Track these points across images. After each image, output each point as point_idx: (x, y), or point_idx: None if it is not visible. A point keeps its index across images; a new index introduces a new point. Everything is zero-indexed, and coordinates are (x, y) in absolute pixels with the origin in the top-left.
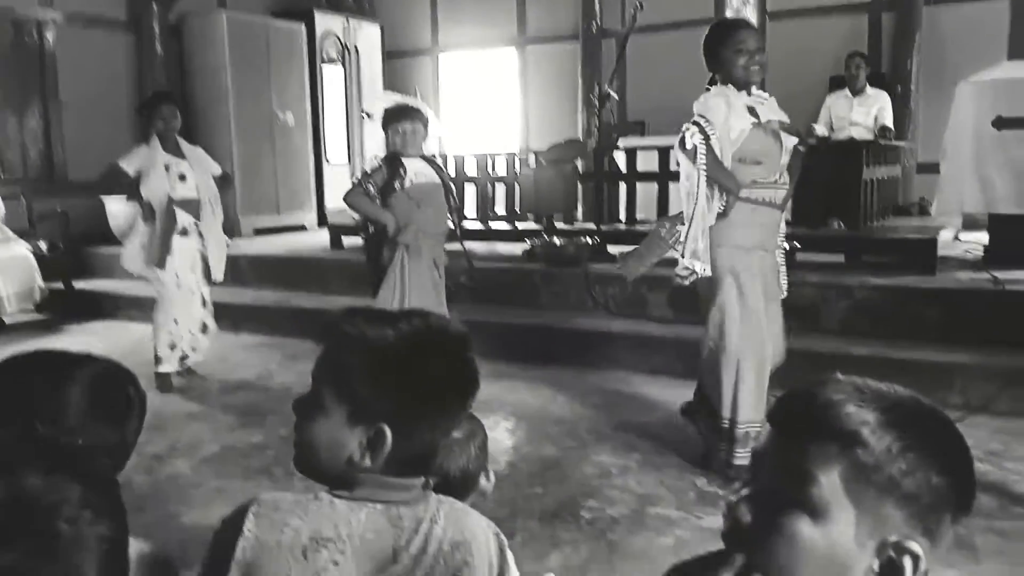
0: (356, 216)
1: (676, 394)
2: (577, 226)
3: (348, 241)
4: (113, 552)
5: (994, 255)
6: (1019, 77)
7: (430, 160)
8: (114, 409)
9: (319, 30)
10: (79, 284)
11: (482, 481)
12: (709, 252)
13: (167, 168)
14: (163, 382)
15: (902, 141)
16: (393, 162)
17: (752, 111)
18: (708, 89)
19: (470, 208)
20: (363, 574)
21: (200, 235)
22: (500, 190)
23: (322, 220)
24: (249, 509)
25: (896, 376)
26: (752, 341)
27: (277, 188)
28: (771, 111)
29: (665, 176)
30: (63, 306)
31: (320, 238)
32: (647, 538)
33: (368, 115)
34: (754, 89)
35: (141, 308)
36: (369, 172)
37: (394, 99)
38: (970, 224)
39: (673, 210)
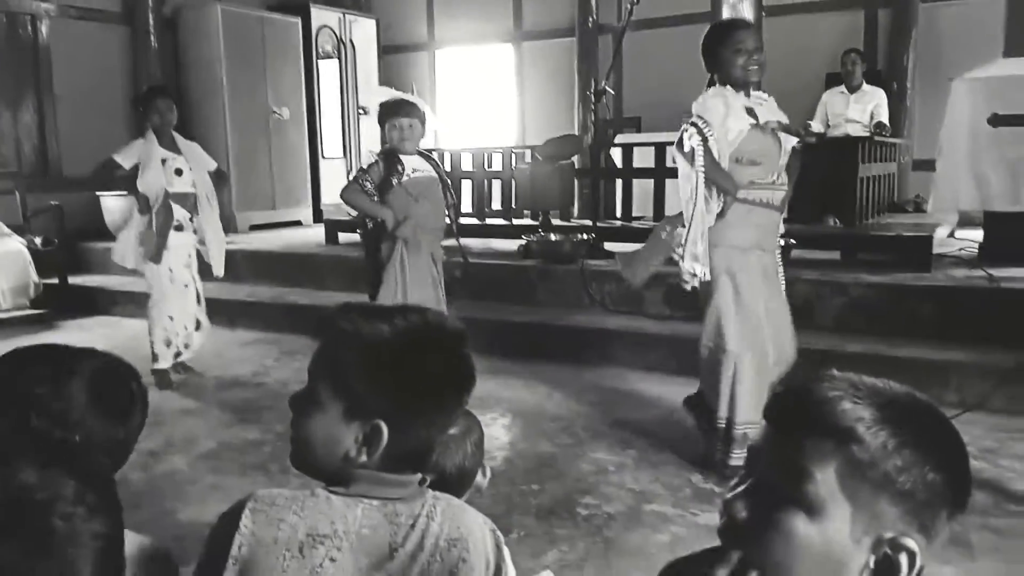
0: (352, 212)
1: (672, 391)
2: (573, 222)
3: (344, 237)
4: (108, 549)
5: (989, 252)
6: (1015, 74)
7: (427, 156)
8: (116, 405)
9: (315, 24)
10: (74, 279)
11: (478, 478)
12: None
13: (163, 162)
14: (161, 379)
15: (898, 138)
16: (390, 158)
17: (751, 112)
18: (707, 89)
19: (466, 204)
20: (360, 570)
21: (195, 231)
22: (496, 186)
23: (318, 216)
24: (246, 505)
25: (891, 373)
26: (749, 341)
27: (273, 183)
28: (770, 112)
29: (662, 172)
30: (58, 301)
31: (316, 234)
32: (643, 535)
33: (364, 110)
34: (753, 90)
35: (136, 304)
36: (366, 168)
37: (390, 94)
38: (965, 221)
39: (669, 206)
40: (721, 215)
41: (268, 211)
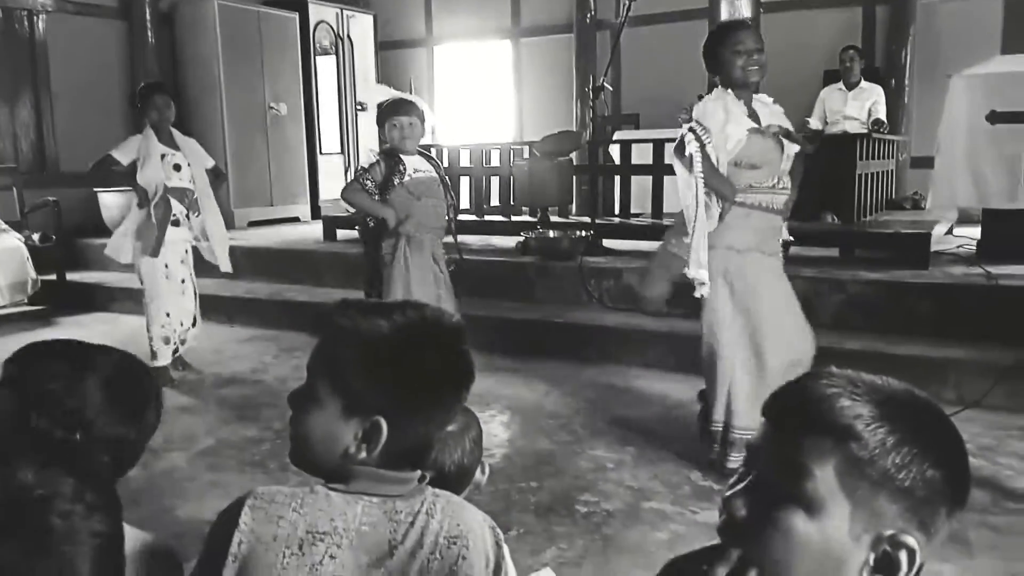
0: (350, 210)
1: (671, 388)
2: (572, 219)
3: (342, 233)
4: (107, 547)
5: (987, 250)
6: (1012, 71)
7: (427, 155)
8: (130, 405)
9: (312, 20)
10: (72, 276)
11: (477, 475)
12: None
13: (162, 158)
14: (160, 376)
15: (896, 135)
16: (391, 158)
17: (754, 115)
18: (709, 93)
19: (465, 200)
20: (359, 567)
21: (191, 227)
22: (495, 182)
23: (316, 212)
24: (245, 502)
25: (889, 371)
26: (745, 345)
27: (271, 180)
28: (774, 116)
29: (660, 169)
30: (56, 298)
31: (314, 230)
32: (642, 532)
33: (362, 106)
34: (763, 95)
35: (134, 300)
36: (367, 167)
37: (388, 93)
38: (964, 219)
39: (668, 204)
40: (720, 218)
41: (266, 207)
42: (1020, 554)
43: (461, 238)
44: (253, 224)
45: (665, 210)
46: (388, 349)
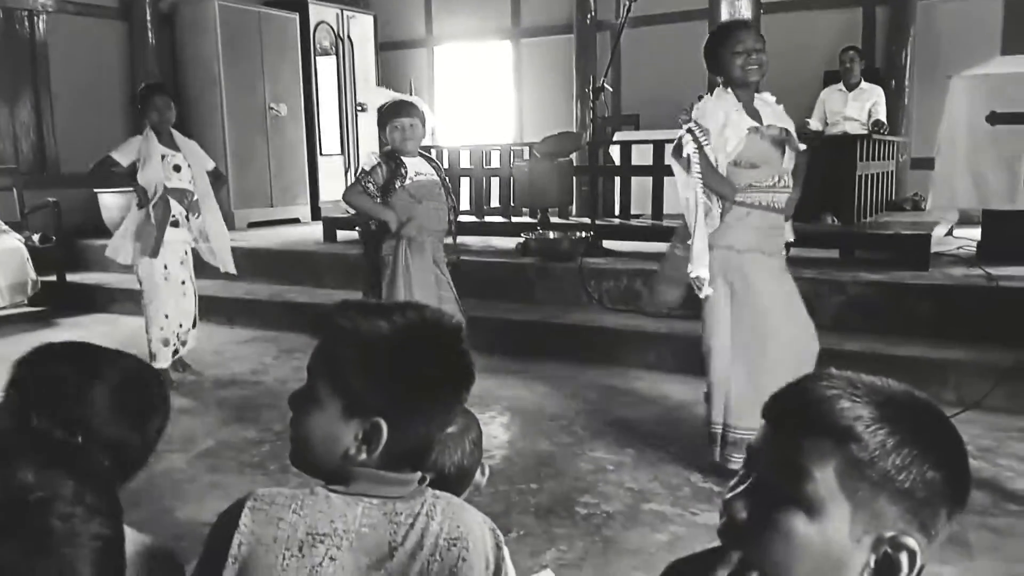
0: (350, 212)
1: (671, 389)
2: (572, 220)
3: (342, 235)
4: (107, 549)
5: (987, 251)
6: (1013, 72)
7: (428, 157)
8: (136, 410)
9: (312, 20)
10: (72, 277)
11: (477, 476)
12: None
13: (162, 158)
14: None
15: (896, 136)
16: (392, 160)
17: (755, 115)
18: (709, 94)
19: (465, 201)
20: (359, 569)
21: (190, 229)
22: (495, 183)
23: (316, 213)
24: (245, 504)
25: (889, 372)
26: (746, 344)
27: (271, 181)
28: (776, 117)
29: (660, 170)
30: (56, 299)
31: (314, 231)
32: (642, 534)
33: (363, 107)
34: (765, 94)
35: (134, 301)
36: (368, 170)
37: (388, 96)
38: (964, 220)
39: (668, 205)
40: (720, 218)
41: (266, 208)
42: (1021, 556)
43: (461, 239)
44: (253, 225)
45: (665, 211)
46: (388, 350)
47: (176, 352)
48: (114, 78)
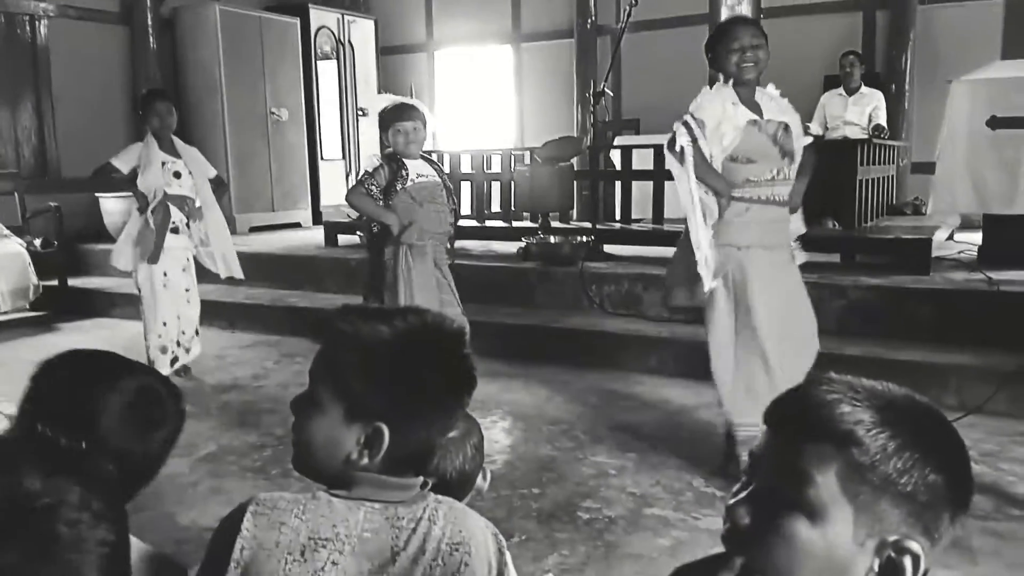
0: (353, 214)
1: (672, 393)
2: (573, 224)
3: (343, 239)
4: (114, 555)
5: (988, 255)
6: (1013, 76)
7: (430, 160)
8: (146, 423)
9: (313, 25)
10: (73, 281)
11: (479, 481)
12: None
13: (162, 165)
14: None
15: (896, 140)
16: (394, 162)
17: (756, 109)
18: (708, 87)
19: (465, 206)
20: (361, 573)
21: (191, 235)
22: (495, 188)
23: (317, 218)
24: (247, 509)
25: (891, 376)
26: (748, 340)
27: (272, 185)
28: (780, 110)
29: (661, 174)
30: (57, 304)
31: (315, 236)
32: (644, 539)
33: (364, 112)
34: (770, 88)
35: (135, 306)
36: (371, 172)
37: (390, 100)
38: (965, 224)
39: (669, 209)
40: (720, 215)
41: (267, 213)
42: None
43: (462, 243)
44: (254, 229)
45: (666, 216)
46: (390, 355)
47: (176, 359)
48: (115, 82)
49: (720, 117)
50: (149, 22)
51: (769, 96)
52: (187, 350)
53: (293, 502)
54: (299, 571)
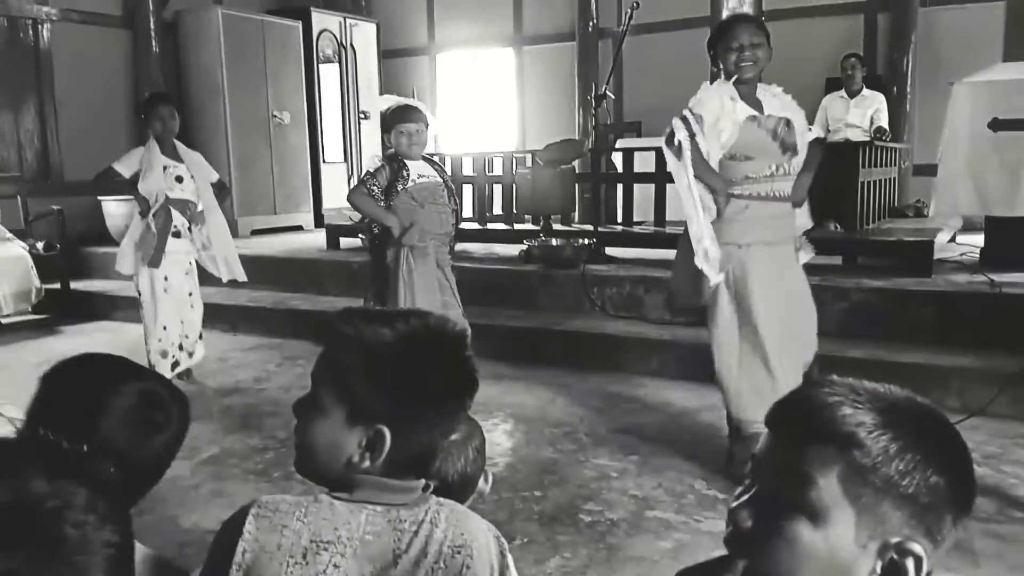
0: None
1: (674, 396)
2: (575, 227)
3: (345, 242)
4: (119, 557)
5: (990, 258)
6: (1015, 79)
7: (431, 161)
8: (147, 427)
9: (315, 28)
10: (76, 284)
11: (480, 484)
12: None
13: (164, 169)
14: None
15: (898, 143)
16: (395, 162)
17: (756, 105)
18: (709, 83)
19: (467, 208)
20: None
21: (192, 239)
22: (497, 190)
23: (319, 221)
24: (249, 511)
25: (893, 379)
26: (749, 337)
27: (274, 188)
28: (783, 107)
29: (662, 177)
30: (60, 307)
31: (317, 238)
32: (646, 541)
33: (365, 115)
34: (773, 86)
35: (138, 309)
36: (372, 172)
37: (393, 101)
38: (967, 226)
39: (671, 212)
40: (720, 214)
41: (269, 216)
42: None
43: (464, 246)
44: (256, 232)
45: (668, 218)
46: (392, 357)
47: (177, 363)
48: (118, 86)
49: (719, 113)
50: (152, 26)
51: (772, 93)
52: (190, 354)
53: (295, 505)
54: (301, 574)
